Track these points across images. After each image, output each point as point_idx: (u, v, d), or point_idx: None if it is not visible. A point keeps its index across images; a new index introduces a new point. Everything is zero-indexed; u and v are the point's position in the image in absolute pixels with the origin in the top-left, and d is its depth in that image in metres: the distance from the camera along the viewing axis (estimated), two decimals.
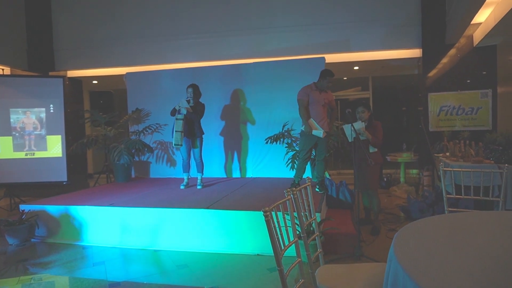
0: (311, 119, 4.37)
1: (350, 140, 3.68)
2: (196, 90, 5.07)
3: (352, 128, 3.48)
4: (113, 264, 3.45)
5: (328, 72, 4.36)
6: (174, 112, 5.00)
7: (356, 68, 7.94)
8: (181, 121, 4.88)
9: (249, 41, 6.81)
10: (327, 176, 5.15)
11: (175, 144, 4.91)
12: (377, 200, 4.13)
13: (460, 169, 2.92)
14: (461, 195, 2.84)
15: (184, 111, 4.91)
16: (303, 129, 4.46)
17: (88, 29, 7.36)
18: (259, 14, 6.76)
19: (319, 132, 4.34)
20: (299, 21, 6.62)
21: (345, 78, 9.06)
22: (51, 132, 6.20)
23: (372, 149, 3.97)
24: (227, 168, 6.34)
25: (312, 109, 4.39)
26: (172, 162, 6.58)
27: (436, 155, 5.34)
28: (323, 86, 4.38)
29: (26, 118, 6.12)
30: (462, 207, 3.71)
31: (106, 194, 4.92)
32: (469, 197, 2.80)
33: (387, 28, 6.34)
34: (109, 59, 7.34)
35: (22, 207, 4.35)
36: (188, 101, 5.04)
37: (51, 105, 6.20)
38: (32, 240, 4.23)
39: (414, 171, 7.23)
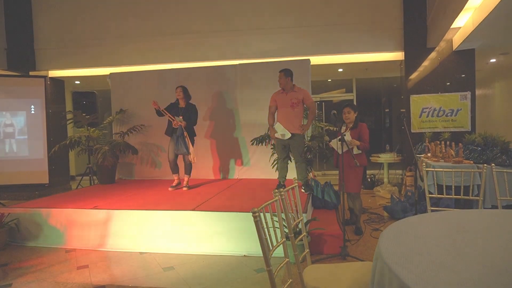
0: (278, 123, 4.42)
1: (340, 153, 3.63)
2: (186, 91, 5.06)
3: (342, 142, 3.47)
4: (97, 267, 3.40)
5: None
6: (171, 130, 5.01)
7: (340, 70, 8.06)
8: (181, 139, 4.91)
9: (234, 43, 6.82)
10: (312, 177, 5.19)
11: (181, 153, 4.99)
12: (359, 202, 4.18)
13: (442, 169, 3.00)
14: (443, 195, 2.92)
15: (180, 126, 4.90)
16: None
17: (70, 28, 7.22)
18: (245, 15, 6.78)
19: (278, 134, 4.39)
20: (284, 23, 6.68)
21: (329, 80, 9.18)
22: (32, 133, 6.06)
23: (356, 151, 4.00)
24: (213, 170, 6.32)
25: (280, 112, 4.44)
26: (156, 164, 6.51)
27: (417, 155, 5.46)
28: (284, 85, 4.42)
29: (6, 119, 5.95)
30: (443, 206, 3.81)
31: (90, 196, 4.83)
32: (451, 196, 2.88)
33: (370, 31, 6.46)
34: (92, 59, 7.22)
35: (2, 210, 4.23)
36: (177, 103, 5.03)
37: (32, 106, 6.06)
38: (12, 244, 4.11)
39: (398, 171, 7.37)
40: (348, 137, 3.91)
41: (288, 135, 4.36)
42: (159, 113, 5.02)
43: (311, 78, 5.91)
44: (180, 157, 5.16)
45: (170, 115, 4.94)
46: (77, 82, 8.61)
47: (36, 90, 6.08)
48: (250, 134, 5.97)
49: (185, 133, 4.92)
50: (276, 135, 4.42)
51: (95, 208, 4.04)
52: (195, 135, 5.22)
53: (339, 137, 3.56)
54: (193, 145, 5.11)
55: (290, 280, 1.77)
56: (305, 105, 4.55)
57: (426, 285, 1.05)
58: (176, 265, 3.37)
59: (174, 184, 5.18)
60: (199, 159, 6.23)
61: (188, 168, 5.17)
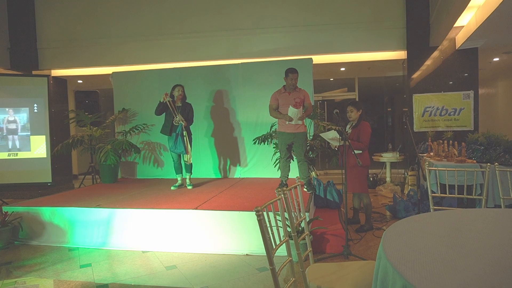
0: (290, 107, 4.30)
1: (333, 146, 3.65)
2: (183, 90, 5.06)
3: (327, 138, 3.52)
4: (100, 266, 3.41)
5: (289, 69, 4.33)
6: (170, 128, 5.00)
7: (342, 69, 8.04)
8: (181, 137, 4.89)
9: (237, 42, 6.82)
10: (315, 176, 5.19)
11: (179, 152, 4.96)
12: (367, 201, 4.15)
13: (445, 169, 2.99)
14: (446, 194, 2.91)
15: (180, 125, 4.89)
16: (277, 129, 4.53)
17: (73, 28, 7.24)
18: (247, 15, 6.77)
19: (292, 115, 4.23)
20: (286, 22, 6.67)
21: (331, 79, 9.16)
22: (35, 132, 6.08)
23: (357, 151, 3.98)
24: (216, 169, 6.33)
25: (284, 111, 4.40)
26: (159, 163, 6.53)
27: (420, 155, 5.45)
28: (288, 84, 4.36)
29: (9, 117, 5.98)
30: (445, 205, 3.81)
31: (92, 195, 4.85)
32: (454, 195, 2.87)
33: (373, 30, 6.45)
34: (95, 58, 7.23)
35: (5, 209, 4.24)
36: (172, 101, 5.00)
37: (35, 105, 6.08)
38: (15, 242, 4.14)
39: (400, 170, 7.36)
40: (332, 134, 3.88)
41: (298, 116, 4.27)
42: (161, 107, 4.94)
43: (313, 77, 5.91)
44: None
45: (175, 109, 4.90)
46: (80, 81, 8.63)
47: (39, 89, 6.10)
48: (252, 133, 5.98)
49: (185, 132, 4.92)
50: (290, 113, 4.23)
51: (98, 206, 4.05)
52: (191, 134, 5.21)
53: (328, 128, 3.59)
54: (191, 144, 5.11)
55: (293, 278, 1.77)
56: (304, 105, 4.54)
57: (429, 284, 1.05)
58: (178, 264, 3.38)
59: (176, 184, 5.19)
60: (202, 158, 6.26)
61: (188, 167, 5.18)
